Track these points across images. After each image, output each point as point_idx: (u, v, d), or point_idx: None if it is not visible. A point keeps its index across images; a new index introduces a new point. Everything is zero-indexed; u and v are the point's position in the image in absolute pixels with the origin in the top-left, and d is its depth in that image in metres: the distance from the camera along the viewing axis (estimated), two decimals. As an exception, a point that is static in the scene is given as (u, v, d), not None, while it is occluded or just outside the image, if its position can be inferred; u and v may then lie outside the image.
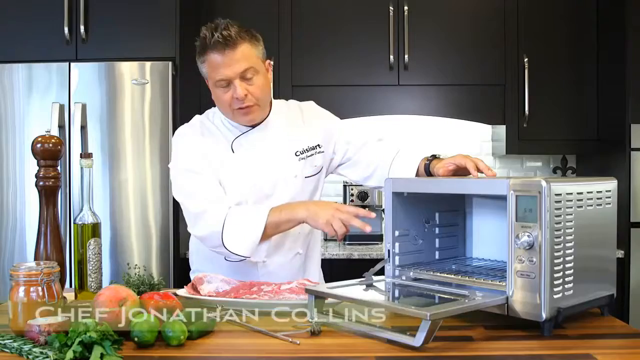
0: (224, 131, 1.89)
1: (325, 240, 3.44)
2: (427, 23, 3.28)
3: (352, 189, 3.31)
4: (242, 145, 1.87)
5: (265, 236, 1.76)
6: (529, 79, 3.23)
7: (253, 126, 1.87)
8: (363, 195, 3.30)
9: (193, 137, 1.88)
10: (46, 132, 1.65)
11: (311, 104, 2.03)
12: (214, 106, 1.91)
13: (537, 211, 1.28)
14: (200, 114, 1.96)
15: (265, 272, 1.88)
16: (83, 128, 2.87)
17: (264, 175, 1.86)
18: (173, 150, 1.90)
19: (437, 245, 1.66)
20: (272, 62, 1.88)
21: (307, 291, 1.45)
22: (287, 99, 2.06)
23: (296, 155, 1.90)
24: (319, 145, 1.93)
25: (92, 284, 1.62)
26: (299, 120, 1.96)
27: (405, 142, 1.99)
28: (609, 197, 1.44)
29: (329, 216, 1.67)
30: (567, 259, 1.31)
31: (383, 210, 1.61)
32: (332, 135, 1.96)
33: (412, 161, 1.86)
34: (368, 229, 1.64)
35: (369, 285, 1.52)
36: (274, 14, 3.29)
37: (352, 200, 3.31)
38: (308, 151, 1.91)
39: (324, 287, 1.49)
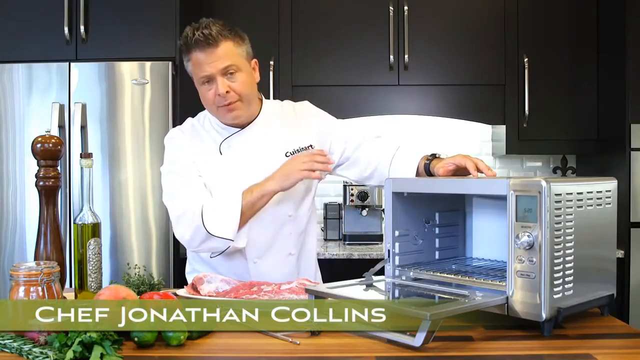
0: (213, 134, 1.88)
1: (326, 240, 3.44)
2: (427, 23, 3.28)
3: (352, 189, 3.30)
4: (230, 147, 1.86)
5: (244, 218, 1.77)
6: (529, 79, 3.23)
7: (242, 127, 1.87)
8: (363, 195, 3.29)
9: (181, 139, 1.88)
10: (46, 132, 1.64)
11: (305, 104, 2.00)
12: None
13: (537, 211, 1.28)
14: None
15: (257, 273, 1.86)
16: (83, 128, 2.87)
17: (252, 176, 1.82)
18: (164, 152, 1.91)
19: (437, 245, 1.66)
20: (257, 62, 1.87)
21: (307, 291, 1.45)
22: (287, 99, 2.04)
23: (286, 156, 1.86)
24: (311, 145, 1.90)
25: (92, 284, 1.62)
26: (292, 120, 1.93)
27: (404, 142, 1.98)
28: (609, 197, 1.44)
29: (297, 165, 1.75)
30: (567, 259, 1.31)
31: (383, 210, 1.61)
32: (327, 134, 1.93)
33: (412, 160, 1.85)
34: (329, 167, 1.81)
35: (369, 285, 1.52)
36: (274, 14, 3.28)
37: (352, 200, 3.31)
38: (299, 151, 1.88)
39: (324, 287, 1.49)
